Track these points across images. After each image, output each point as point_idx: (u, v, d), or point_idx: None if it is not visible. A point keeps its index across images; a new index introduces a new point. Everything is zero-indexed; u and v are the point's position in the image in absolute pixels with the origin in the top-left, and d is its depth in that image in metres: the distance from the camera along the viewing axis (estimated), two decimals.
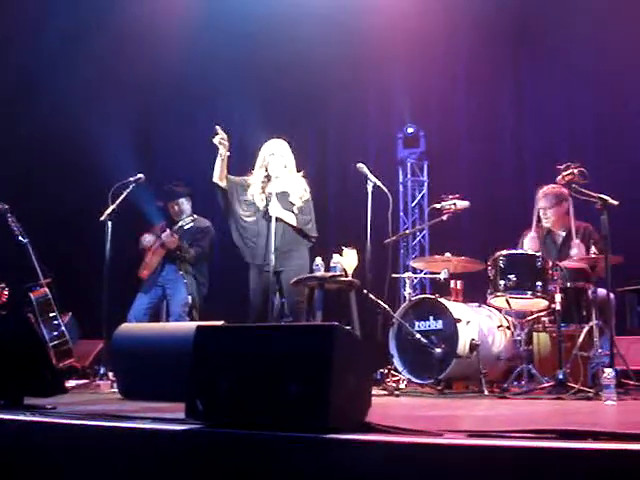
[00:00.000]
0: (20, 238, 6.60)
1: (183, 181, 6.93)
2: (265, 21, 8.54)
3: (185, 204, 6.76)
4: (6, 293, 6.59)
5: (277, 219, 5.49)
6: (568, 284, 5.32)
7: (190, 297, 6.48)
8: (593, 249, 5.48)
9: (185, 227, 6.58)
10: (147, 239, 6.65)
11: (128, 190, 6.34)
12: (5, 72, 8.33)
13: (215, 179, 5.74)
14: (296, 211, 5.64)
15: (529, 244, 5.82)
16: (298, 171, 5.84)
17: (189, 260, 6.53)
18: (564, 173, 5.26)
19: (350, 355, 2.52)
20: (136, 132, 9.22)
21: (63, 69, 8.70)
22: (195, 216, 6.77)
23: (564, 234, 5.97)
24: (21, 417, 3.04)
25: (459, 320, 5.37)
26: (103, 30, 8.62)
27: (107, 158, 8.19)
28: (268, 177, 5.65)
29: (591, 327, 5.03)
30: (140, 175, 6.44)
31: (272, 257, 5.34)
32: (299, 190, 5.73)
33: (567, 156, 6.34)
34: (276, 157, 5.73)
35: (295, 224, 5.64)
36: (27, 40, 8.63)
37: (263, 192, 5.66)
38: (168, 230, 6.50)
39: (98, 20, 8.60)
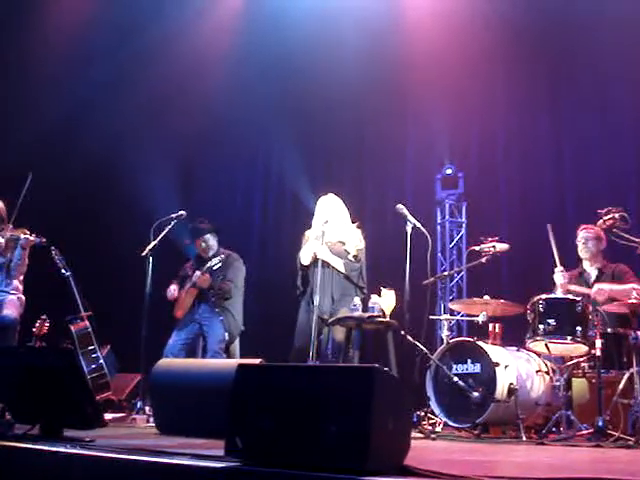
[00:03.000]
0: (63, 271, 6.72)
1: (205, 218, 6.96)
2: (305, 62, 8.70)
3: (211, 240, 6.76)
4: (47, 325, 6.69)
5: (325, 263, 5.71)
6: (608, 329, 5.27)
7: (227, 334, 6.48)
8: (635, 294, 5.41)
9: (214, 267, 6.53)
10: (171, 291, 6.65)
11: (170, 226, 6.44)
12: (53, 111, 8.57)
13: (306, 262, 5.96)
14: (348, 259, 5.85)
15: (559, 279, 5.82)
16: (353, 222, 6.06)
17: (222, 296, 6.54)
18: (605, 217, 5.24)
19: (390, 397, 2.52)
20: (178, 170, 9.40)
21: (108, 106, 8.92)
22: (223, 253, 6.71)
23: (596, 272, 5.97)
24: (61, 449, 3.07)
25: (497, 364, 5.32)
26: (148, 71, 8.85)
27: (150, 195, 8.35)
28: (324, 232, 5.82)
29: (632, 374, 4.95)
30: (181, 212, 6.54)
31: (317, 297, 5.51)
32: (354, 240, 5.98)
33: (608, 199, 6.31)
34: (332, 214, 5.99)
35: (343, 270, 5.83)
36: (74, 79, 8.88)
37: (321, 244, 5.85)
38: (198, 271, 6.50)
39: (143, 61, 8.83)
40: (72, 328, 6.59)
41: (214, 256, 6.58)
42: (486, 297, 5.83)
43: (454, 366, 5.57)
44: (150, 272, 6.23)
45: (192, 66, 8.96)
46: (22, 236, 6.26)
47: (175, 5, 9.03)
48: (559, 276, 5.88)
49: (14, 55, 8.61)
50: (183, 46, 8.95)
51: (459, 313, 7.20)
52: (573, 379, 5.50)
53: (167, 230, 6.43)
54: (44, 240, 6.44)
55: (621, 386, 4.96)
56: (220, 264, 6.50)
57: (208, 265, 6.50)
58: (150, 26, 8.79)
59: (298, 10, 8.79)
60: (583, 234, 6.05)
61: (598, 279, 5.93)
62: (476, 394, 5.31)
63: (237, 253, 6.83)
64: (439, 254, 8.77)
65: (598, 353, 4.97)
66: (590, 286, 5.90)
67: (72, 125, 8.91)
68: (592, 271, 6.04)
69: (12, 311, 6.16)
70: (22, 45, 8.63)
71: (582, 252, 6.07)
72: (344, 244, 5.91)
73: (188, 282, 6.59)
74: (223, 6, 9.38)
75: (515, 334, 5.77)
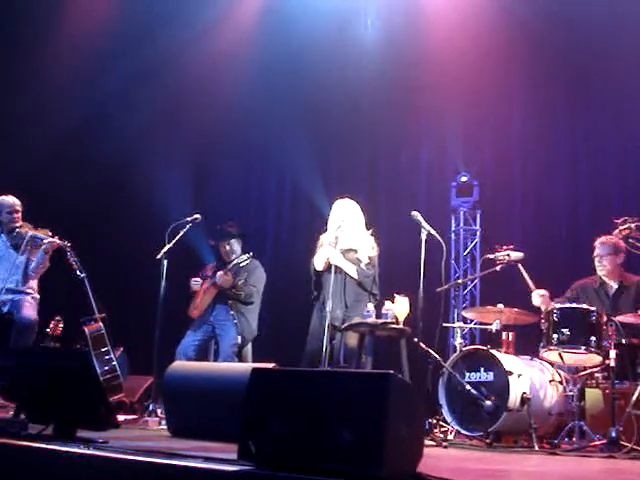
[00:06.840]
0: (78, 272, 6.73)
1: (235, 222, 7.00)
2: (319, 67, 8.73)
3: (236, 245, 6.79)
4: (61, 326, 6.72)
5: (338, 269, 5.69)
6: (623, 340, 5.23)
7: (240, 337, 6.48)
8: None
9: (241, 264, 6.58)
10: (196, 283, 6.66)
11: (185, 230, 6.46)
12: (68, 115, 8.63)
13: (319, 267, 5.92)
14: (360, 266, 5.82)
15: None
16: (368, 229, 6.04)
17: (243, 299, 6.54)
18: (621, 227, 5.22)
19: (404, 404, 2.52)
20: (193, 175, 9.44)
21: (123, 112, 8.98)
22: (251, 254, 6.76)
23: (617, 286, 5.90)
24: (74, 449, 3.09)
25: (511, 373, 5.30)
26: (162, 76, 8.89)
27: (164, 198, 8.39)
28: (337, 237, 5.81)
29: None
30: (197, 215, 6.57)
31: (329, 303, 5.50)
32: (367, 247, 5.93)
33: (622, 208, 6.27)
34: (347, 218, 5.95)
35: (355, 276, 5.80)
36: (89, 84, 8.95)
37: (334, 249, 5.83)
38: (221, 271, 6.51)
39: (158, 66, 8.87)
40: (86, 329, 6.59)
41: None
42: (500, 305, 5.82)
43: (467, 374, 5.55)
44: (164, 275, 6.25)
45: (207, 72, 8.99)
46: (47, 240, 6.26)
47: (191, 10, 9.06)
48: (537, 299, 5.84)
49: (27, 61, 8.66)
50: (198, 52, 8.98)
51: (472, 321, 7.17)
52: (586, 389, 5.47)
53: (182, 233, 6.45)
54: (69, 244, 6.45)
55: (635, 397, 4.92)
56: (248, 261, 6.54)
57: (235, 262, 6.53)
58: (165, 31, 8.83)
59: (315, 18, 8.81)
60: (598, 250, 5.89)
61: (619, 293, 5.85)
62: (489, 403, 5.30)
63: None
64: (453, 262, 8.76)
65: (612, 364, 4.95)
66: (611, 299, 5.85)
67: (87, 129, 8.97)
68: (612, 284, 5.94)
69: (31, 312, 6.19)
70: (34, 52, 8.68)
71: (598, 269, 5.93)
72: (356, 252, 5.88)
73: (208, 282, 6.61)
74: (240, 12, 9.40)
75: (529, 343, 5.75)
